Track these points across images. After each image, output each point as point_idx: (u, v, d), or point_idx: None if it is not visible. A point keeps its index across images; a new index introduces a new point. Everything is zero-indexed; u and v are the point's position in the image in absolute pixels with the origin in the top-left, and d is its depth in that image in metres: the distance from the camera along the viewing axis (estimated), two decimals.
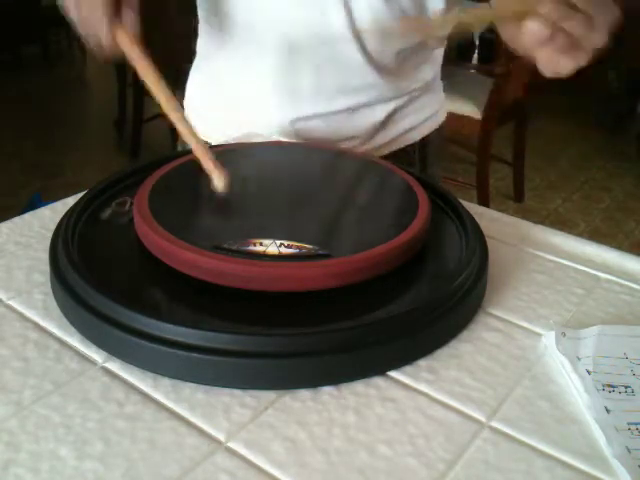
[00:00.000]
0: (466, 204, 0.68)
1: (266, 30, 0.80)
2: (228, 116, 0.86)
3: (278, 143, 0.80)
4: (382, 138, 0.87)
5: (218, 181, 0.60)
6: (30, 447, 0.43)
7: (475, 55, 3.11)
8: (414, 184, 0.66)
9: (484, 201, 2.51)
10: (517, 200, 2.86)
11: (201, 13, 0.87)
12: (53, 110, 3.63)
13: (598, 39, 0.54)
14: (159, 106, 0.63)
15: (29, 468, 0.41)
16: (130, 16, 0.64)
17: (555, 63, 0.56)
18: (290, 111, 0.82)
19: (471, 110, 2.44)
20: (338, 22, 0.77)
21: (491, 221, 0.71)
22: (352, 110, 0.83)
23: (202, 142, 0.62)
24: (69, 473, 0.41)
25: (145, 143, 3.13)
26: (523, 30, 0.54)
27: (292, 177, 0.70)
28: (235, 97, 0.86)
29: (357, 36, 0.78)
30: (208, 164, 0.61)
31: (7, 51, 4.23)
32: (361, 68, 0.81)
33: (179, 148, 0.94)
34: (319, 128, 0.83)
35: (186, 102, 0.95)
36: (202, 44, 0.90)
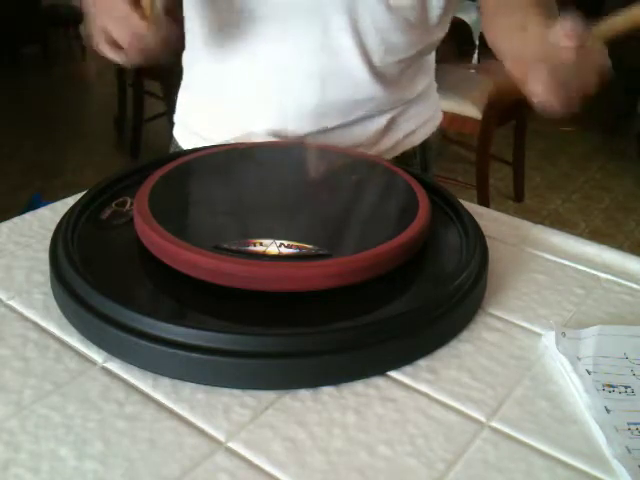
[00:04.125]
0: (466, 204, 0.68)
1: (268, 49, 0.79)
2: (225, 130, 0.84)
3: (278, 143, 0.80)
4: (384, 144, 0.87)
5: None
6: (30, 447, 0.43)
7: (475, 55, 3.11)
8: (414, 184, 0.66)
9: (484, 201, 2.51)
10: (517, 200, 2.86)
11: (192, 31, 0.86)
12: (53, 110, 3.63)
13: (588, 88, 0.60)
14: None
15: (29, 468, 0.41)
16: None
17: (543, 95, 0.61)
18: (293, 129, 0.82)
19: (471, 110, 2.44)
20: (343, 36, 0.77)
21: (491, 221, 0.71)
22: (354, 123, 0.83)
23: None
24: (69, 473, 0.41)
25: (145, 143, 3.12)
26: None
27: (292, 177, 0.70)
28: (233, 117, 0.85)
29: (363, 49, 0.78)
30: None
31: (7, 51, 4.23)
32: (366, 82, 0.80)
33: (171, 149, 0.94)
34: (321, 141, 0.82)
35: (177, 117, 0.95)
36: (193, 59, 0.88)
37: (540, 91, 0.60)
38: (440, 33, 0.85)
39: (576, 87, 0.60)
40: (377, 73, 0.80)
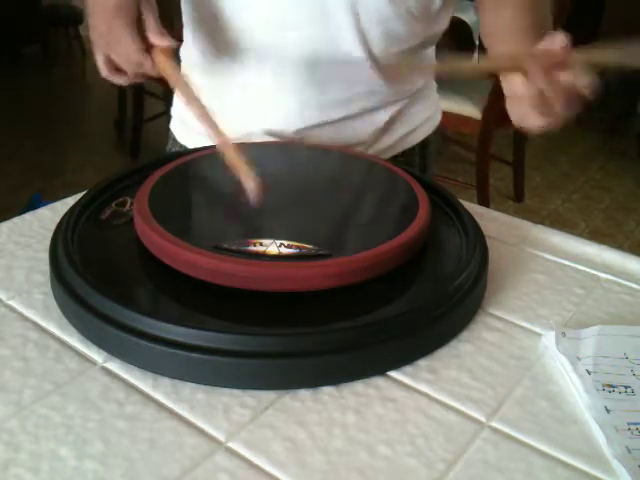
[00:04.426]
0: (466, 204, 0.68)
1: (268, 40, 0.79)
2: (226, 125, 0.84)
3: (278, 143, 0.80)
4: (384, 142, 0.88)
5: (248, 182, 0.59)
6: (30, 447, 0.43)
7: (475, 55, 3.11)
8: (414, 184, 0.66)
9: (484, 201, 2.51)
10: (517, 200, 2.85)
11: (190, 21, 0.85)
12: (53, 110, 3.62)
13: (571, 109, 0.59)
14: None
15: (29, 468, 0.41)
16: (154, 30, 0.68)
17: (525, 117, 0.61)
18: (295, 122, 0.82)
19: (471, 110, 2.44)
20: (344, 27, 0.77)
21: (491, 221, 0.71)
22: (356, 116, 0.83)
23: (233, 144, 0.63)
24: (69, 473, 0.41)
25: (145, 143, 3.12)
26: (507, 79, 0.60)
27: (292, 177, 0.70)
28: (234, 108, 0.85)
29: (364, 40, 0.78)
30: (239, 166, 0.60)
31: (7, 51, 4.22)
32: (367, 73, 0.80)
33: (169, 143, 0.94)
34: (323, 135, 0.82)
35: (174, 111, 0.94)
36: (192, 53, 0.88)
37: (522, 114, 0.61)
38: (441, 26, 0.85)
39: (559, 106, 0.60)
40: (378, 65, 0.80)
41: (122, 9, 0.67)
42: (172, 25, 0.76)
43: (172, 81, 0.70)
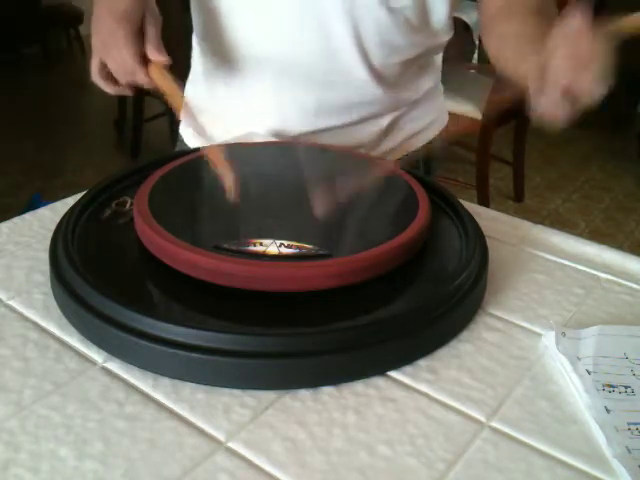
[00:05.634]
0: (466, 204, 0.68)
1: (268, 49, 0.79)
2: (225, 130, 0.85)
3: (278, 143, 0.80)
4: (386, 145, 0.87)
5: (228, 183, 0.61)
6: (30, 447, 0.43)
7: (475, 55, 3.11)
8: (414, 184, 0.66)
9: (484, 201, 2.51)
10: (517, 200, 2.85)
11: (197, 28, 0.86)
12: (53, 110, 3.62)
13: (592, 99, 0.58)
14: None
15: (29, 468, 0.41)
16: (155, 50, 0.68)
17: (550, 110, 0.61)
18: (292, 128, 0.82)
19: (471, 110, 2.44)
20: (343, 38, 0.77)
21: (491, 221, 0.71)
22: (355, 123, 0.83)
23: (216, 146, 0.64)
24: (69, 473, 0.41)
25: (145, 143, 3.12)
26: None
27: (292, 177, 0.70)
28: (235, 115, 0.86)
29: (362, 50, 0.78)
30: (219, 165, 0.62)
31: (7, 51, 4.22)
32: (366, 83, 0.80)
33: (177, 148, 0.94)
34: (322, 140, 0.83)
35: (183, 114, 0.95)
36: (198, 59, 0.89)
37: (543, 103, 0.60)
38: (444, 36, 0.84)
39: (578, 94, 0.58)
40: (377, 74, 0.80)
41: (127, 16, 0.67)
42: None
43: (166, 93, 0.70)
